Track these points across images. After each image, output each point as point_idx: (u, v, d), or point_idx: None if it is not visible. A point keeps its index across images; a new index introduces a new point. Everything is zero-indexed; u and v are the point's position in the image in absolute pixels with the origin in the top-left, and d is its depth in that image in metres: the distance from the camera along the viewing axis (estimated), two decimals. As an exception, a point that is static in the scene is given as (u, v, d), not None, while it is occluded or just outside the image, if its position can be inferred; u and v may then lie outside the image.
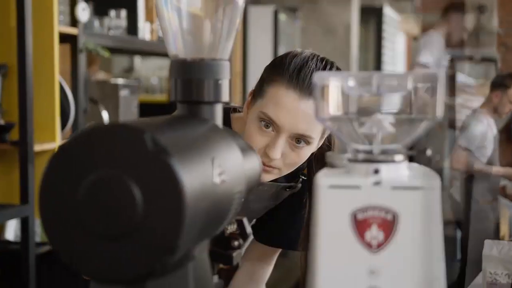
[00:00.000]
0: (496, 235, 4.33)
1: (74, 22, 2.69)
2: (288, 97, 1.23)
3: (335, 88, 0.68)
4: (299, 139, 1.26)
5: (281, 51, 6.43)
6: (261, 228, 1.52)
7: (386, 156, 0.68)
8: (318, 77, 0.68)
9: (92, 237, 0.60)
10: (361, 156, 0.69)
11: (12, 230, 2.68)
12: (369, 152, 0.69)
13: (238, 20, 0.79)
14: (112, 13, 3.13)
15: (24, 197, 2.38)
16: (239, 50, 4.87)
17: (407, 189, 0.65)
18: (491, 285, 1.76)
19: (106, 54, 2.78)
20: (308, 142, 1.26)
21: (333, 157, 0.74)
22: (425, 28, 9.63)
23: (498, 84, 4.33)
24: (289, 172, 1.32)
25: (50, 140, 2.54)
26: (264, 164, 1.26)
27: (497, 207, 4.48)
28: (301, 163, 1.32)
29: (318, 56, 1.29)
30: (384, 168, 0.67)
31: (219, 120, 0.78)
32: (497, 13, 9.64)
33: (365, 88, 0.68)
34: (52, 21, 2.50)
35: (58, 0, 2.59)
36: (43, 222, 0.62)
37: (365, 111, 0.71)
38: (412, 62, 4.51)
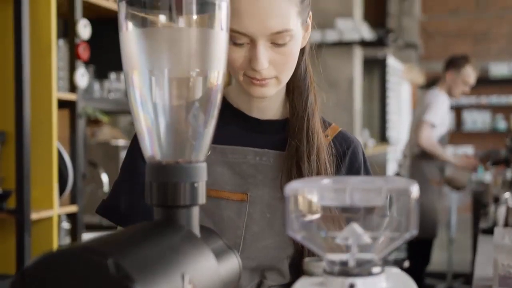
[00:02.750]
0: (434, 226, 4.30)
1: (73, 87, 2.71)
2: (244, 0, 1.10)
3: (307, 200, 0.67)
4: (278, 39, 1.13)
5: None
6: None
7: (362, 268, 0.66)
8: (290, 188, 0.67)
9: None
10: (336, 268, 0.67)
11: (8, 299, 2.64)
12: (345, 263, 0.67)
13: (214, 122, 0.78)
14: (112, 75, 3.15)
15: (20, 268, 2.36)
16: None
17: (383, 307, 0.63)
18: (504, 278, 1.57)
19: (104, 119, 2.79)
20: (289, 37, 1.14)
21: (311, 264, 0.72)
22: (429, 76, 9.70)
23: (451, 64, 4.43)
24: (288, 77, 1.20)
25: (47, 207, 2.53)
26: (257, 79, 1.15)
27: (441, 194, 4.49)
28: (295, 61, 1.19)
29: None
30: (360, 282, 0.65)
31: (195, 223, 0.77)
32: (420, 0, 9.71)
33: (339, 199, 0.66)
34: (50, 87, 2.51)
35: (57, 66, 2.60)
36: None
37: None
38: (416, 117, 4.51)
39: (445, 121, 4.45)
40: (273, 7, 1.11)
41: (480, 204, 4.46)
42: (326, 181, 0.69)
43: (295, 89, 1.27)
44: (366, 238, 0.67)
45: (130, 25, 0.75)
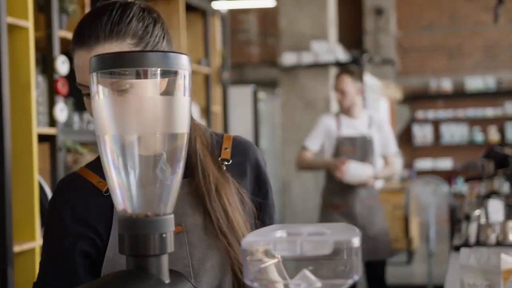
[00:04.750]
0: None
1: (52, 121, 2.77)
2: (80, 56, 1.21)
3: (262, 251, 0.75)
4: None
5: (262, 127, 6.59)
6: None
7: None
8: (247, 242, 0.75)
9: None
10: (289, 311, 0.75)
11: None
12: (298, 306, 0.75)
13: (179, 178, 0.87)
14: (91, 107, 3.21)
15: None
16: (220, 131, 4.96)
17: None
18: None
19: (84, 151, 2.86)
20: (128, 85, 1.17)
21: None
22: (407, 91, 9.85)
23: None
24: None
25: (29, 239, 2.59)
26: None
27: (353, 216, 4.08)
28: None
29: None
30: (310, 323, 0.73)
31: (165, 270, 0.84)
32: (395, 16, 9.83)
33: (290, 249, 0.75)
34: (30, 123, 2.58)
35: (36, 101, 2.67)
36: None
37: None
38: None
39: (332, 141, 4.12)
40: None
41: (455, 218, 4.52)
42: (279, 233, 0.78)
43: None
44: (317, 283, 0.75)
45: (101, 94, 0.84)
